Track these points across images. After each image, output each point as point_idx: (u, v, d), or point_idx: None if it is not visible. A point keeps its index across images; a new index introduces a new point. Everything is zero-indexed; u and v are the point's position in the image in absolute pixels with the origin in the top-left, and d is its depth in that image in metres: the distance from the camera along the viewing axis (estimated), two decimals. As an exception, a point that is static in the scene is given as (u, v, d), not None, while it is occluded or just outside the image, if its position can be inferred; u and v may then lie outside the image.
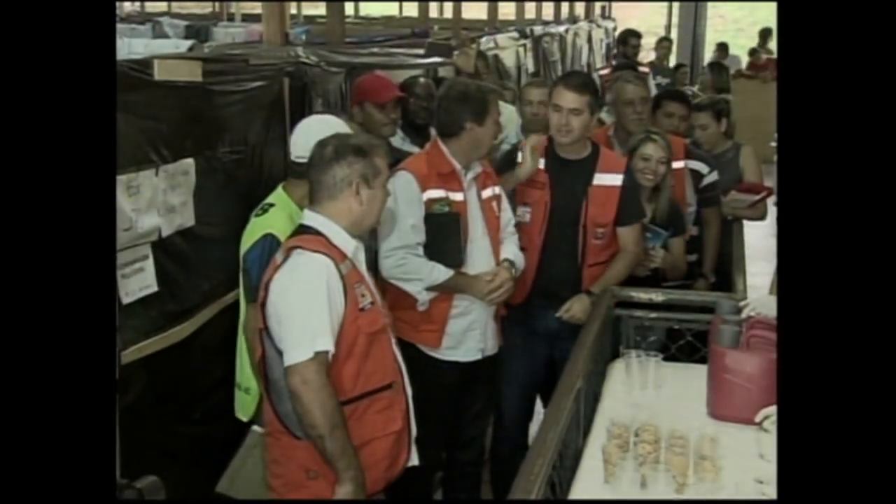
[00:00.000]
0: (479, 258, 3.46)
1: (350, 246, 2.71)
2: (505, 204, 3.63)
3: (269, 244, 2.96)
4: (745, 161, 4.91)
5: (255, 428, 3.06)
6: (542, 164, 3.72)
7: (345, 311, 2.62)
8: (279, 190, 3.17)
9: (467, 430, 3.72)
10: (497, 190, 3.58)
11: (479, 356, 3.54)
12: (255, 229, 3.04)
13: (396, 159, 3.92)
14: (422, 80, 4.62)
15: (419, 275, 3.36)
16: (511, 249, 3.57)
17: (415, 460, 2.91)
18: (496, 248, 3.51)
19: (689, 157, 4.35)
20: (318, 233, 2.69)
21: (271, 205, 3.11)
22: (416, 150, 4.38)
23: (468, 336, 3.51)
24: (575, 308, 3.64)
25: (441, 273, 3.38)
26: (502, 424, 3.97)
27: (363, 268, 2.79)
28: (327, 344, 2.56)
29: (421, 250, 3.39)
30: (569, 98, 3.61)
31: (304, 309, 2.57)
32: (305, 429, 2.59)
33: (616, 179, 3.73)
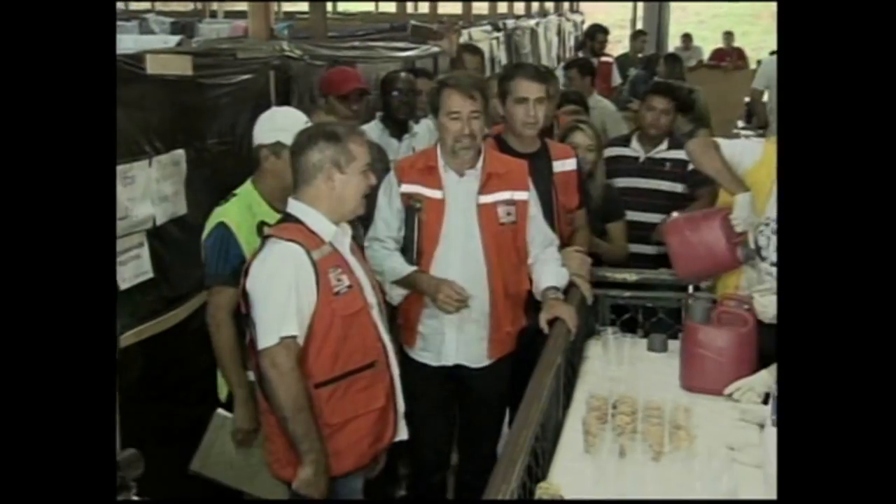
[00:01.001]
0: (454, 261, 3.29)
1: (329, 231, 2.77)
2: (541, 224, 3.43)
3: (221, 233, 3.01)
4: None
5: (219, 411, 3.16)
6: None
7: (318, 296, 2.70)
8: (248, 181, 3.18)
9: (471, 446, 3.60)
10: (514, 196, 3.34)
11: (449, 363, 3.40)
12: (212, 218, 3.08)
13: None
14: (402, 74, 4.64)
15: (381, 267, 3.29)
16: (552, 273, 3.35)
17: (402, 435, 2.98)
18: (492, 256, 3.30)
19: (675, 146, 4.47)
20: (297, 220, 2.75)
21: (234, 195, 3.13)
22: (393, 142, 4.46)
23: (437, 339, 3.39)
24: (576, 268, 3.50)
25: (399, 268, 3.29)
26: None
27: (346, 251, 2.84)
28: (292, 329, 2.65)
29: (391, 244, 3.34)
30: (534, 88, 3.54)
31: (271, 296, 2.67)
32: (273, 410, 2.69)
33: (570, 164, 3.75)
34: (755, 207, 3.20)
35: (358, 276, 2.84)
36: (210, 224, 3.05)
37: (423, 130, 4.60)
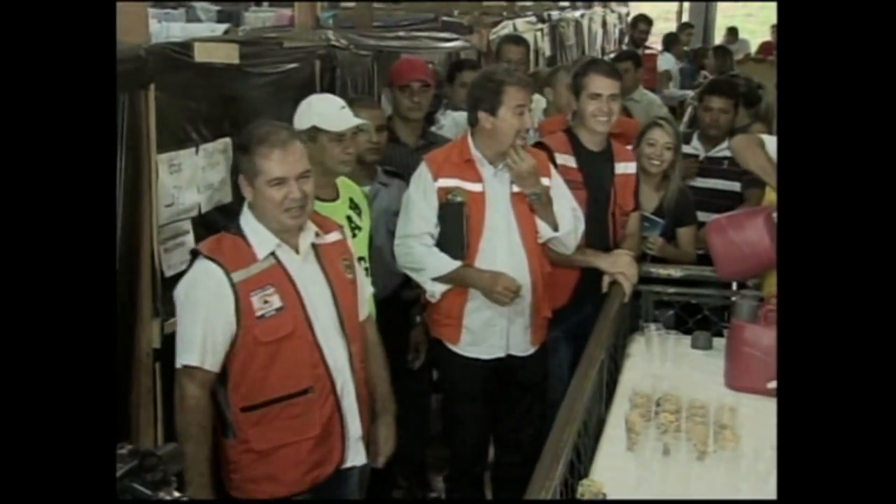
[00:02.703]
0: (498, 253, 3.31)
1: (266, 245, 2.60)
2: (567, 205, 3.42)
3: None
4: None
5: None
6: (571, 161, 3.61)
7: (238, 320, 2.55)
8: None
9: (512, 433, 3.57)
10: (545, 183, 3.36)
11: (501, 354, 3.40)
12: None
13: (430, 141, 3.97)
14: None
15: (422, 264, 3.31)
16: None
17: (356, 460, 2.81)
18: (530, 245, 3.35)
19: None
20: (239, 230, 2.63)
21: None
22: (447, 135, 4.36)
23: (489, 332, 3.38)
24: (624, 267, 3.50)
25: (444, 264, 3.29)
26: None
27: (295, 264, 2.65)
28: (193, 359, 2.53)
29: (429, 239, 3.32)
30: (608, 84, 3.55)
31: (183, 320, 2.59)
32: None
33: (631, 168, 3.75)
34: None
35: (305, 293, 2.64)
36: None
37: (450, 123, 4.49)
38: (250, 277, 2.56)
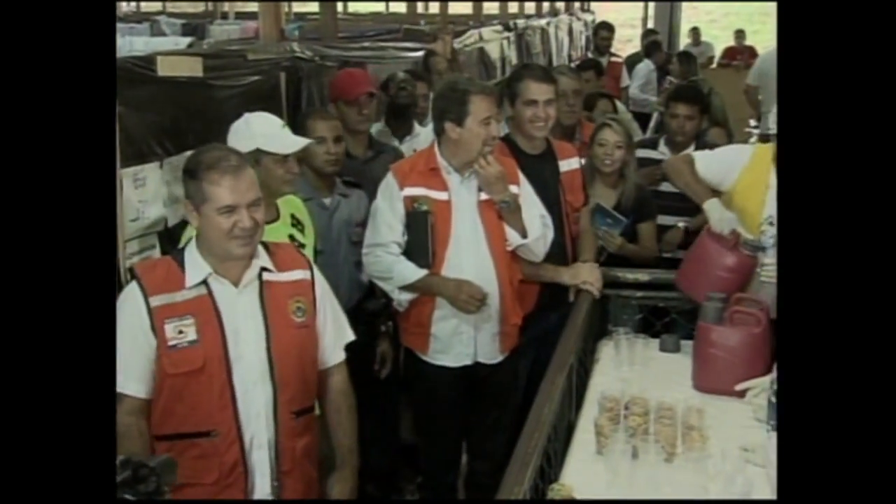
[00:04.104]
0: (464, 261, 3.30)
1: (198, 274, 2.43)
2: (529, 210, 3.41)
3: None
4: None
5: None
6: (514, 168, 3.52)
7: (156, 347, 2.40)
8: None
9: (484, 441, 3.54)
10: (513, 190, 3.33)
11: (468, 361, 3.38)
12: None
13: (378, 151, 3.98)
14: (401, 74, 4.57)
15: (389, 273, 3.30)
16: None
17: None
18: (498, 253, 3.34)
19: (701, 148, 4.46)
20: (179, 254, 2.50)
21: None
22: (394, 143, 4.39)
23: (456, 340, 3.36)
24: (587, 277, 3.55)
25: (410, 272, 3.28)
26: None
27: (226, 297, 2.45)
28: (119, 384, 2.27)
29: (395, 248, 3.31)
30: (543, 90, 3.56)
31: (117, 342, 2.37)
32: None
33: (574, 163, 3.77)
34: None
35: (230, 329, 2.44)
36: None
37: (427, 133, 4.45)
38: (170, 304, 2.40)
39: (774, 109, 3.13)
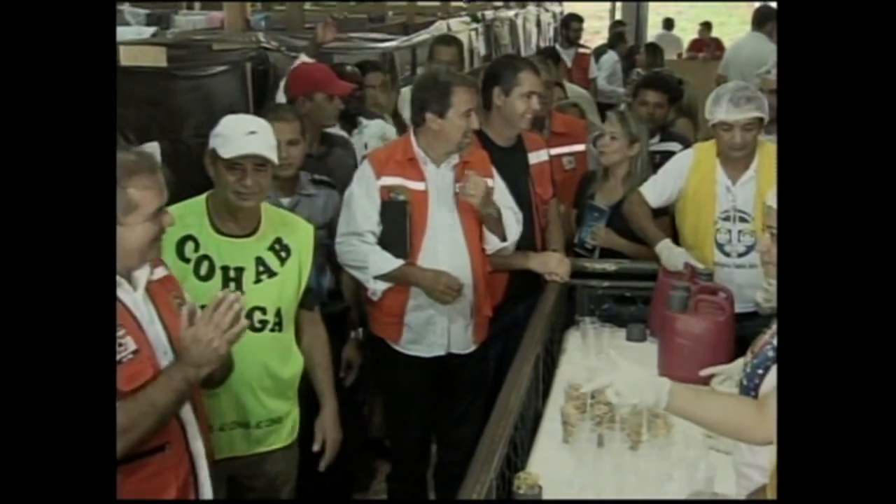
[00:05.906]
0: (440, 252, 3.30)
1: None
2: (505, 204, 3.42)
3: None
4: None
5: None
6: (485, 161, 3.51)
7: None
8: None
9: (454, 431, 3.54)
10: (489, 183, 3.31)
11: (441, 352, 3.39)
12: None
13: (331, 145, 3.88)
14: (349, 67, 4.39)
15: (365, 262, 3.28)
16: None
17: None
18: (473, 244, 3.35)
19: (667, 139, 4.50)
20: None
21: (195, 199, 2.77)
22: (344, 134, 4.19)
23: (429, 330, 3.37)
24: (554, 267, 3.58)
25: (386, 262, 3.27)
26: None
27: (136, 303, 2.14)
28: None
29: (371, 238, 3.29)
30: (538, 82, 3.57)
31: None
32: None
33: (543, 156, 3.79)
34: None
35: (151, 334, 2.16)
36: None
37: (378, 128, 4.38)
38: None
39: None
